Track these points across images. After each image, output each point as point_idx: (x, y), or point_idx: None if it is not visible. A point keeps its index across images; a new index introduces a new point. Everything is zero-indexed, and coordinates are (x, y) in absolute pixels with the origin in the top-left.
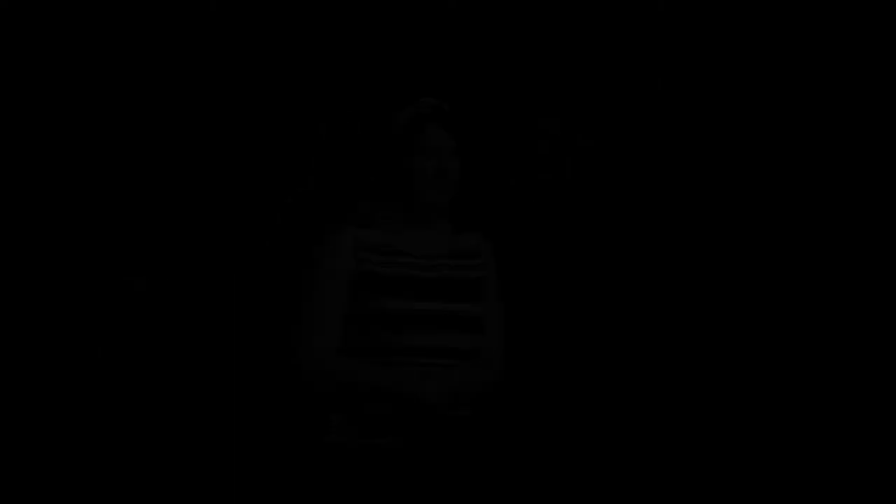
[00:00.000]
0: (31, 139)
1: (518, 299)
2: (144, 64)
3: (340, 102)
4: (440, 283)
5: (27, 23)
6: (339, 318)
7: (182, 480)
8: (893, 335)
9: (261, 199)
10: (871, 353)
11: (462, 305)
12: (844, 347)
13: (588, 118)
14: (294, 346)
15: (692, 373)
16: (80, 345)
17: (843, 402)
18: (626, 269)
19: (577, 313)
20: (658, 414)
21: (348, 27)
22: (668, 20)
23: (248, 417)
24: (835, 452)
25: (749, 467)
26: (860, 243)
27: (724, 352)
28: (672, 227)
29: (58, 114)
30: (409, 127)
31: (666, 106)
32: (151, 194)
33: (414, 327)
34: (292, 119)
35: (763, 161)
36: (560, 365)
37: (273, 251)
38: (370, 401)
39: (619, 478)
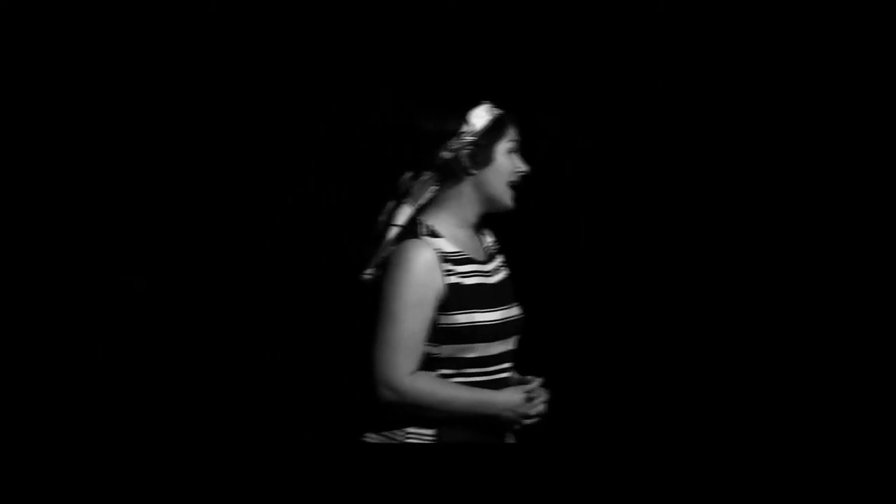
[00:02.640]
0: (31, 139)
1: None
2: (144, 64)
3: (340, 102)
4: (501, 287)
5: (27, 23)
6: (422, 339)
7: (182, 480)
8: (893, 335)
9: (261, 199)
10: (871, 353)
11: (514, 309)
12: (844, 347)
13: (588, 118)
14: (377, 366)
15: (692, 373)
16: (80, 345)
17: (843, 402)
18: (625, 269)
19: (578, 313)
20: (658, 415)
21: (348, 27)
22: (668, 20)
23: (248, 417)
24: (835, 452)
25: (749, 467)
26: (860, 243)
27: (725, 352)
28: (672, 227)
29: (58, 114)
30: (494, 124)
31: (666, 106)
32: (151, 194)
33: (493, 338)
34: (292, 119)
35: (763, 161)
36: (560, 365)
37: (273, 251)
38: (449, 418)
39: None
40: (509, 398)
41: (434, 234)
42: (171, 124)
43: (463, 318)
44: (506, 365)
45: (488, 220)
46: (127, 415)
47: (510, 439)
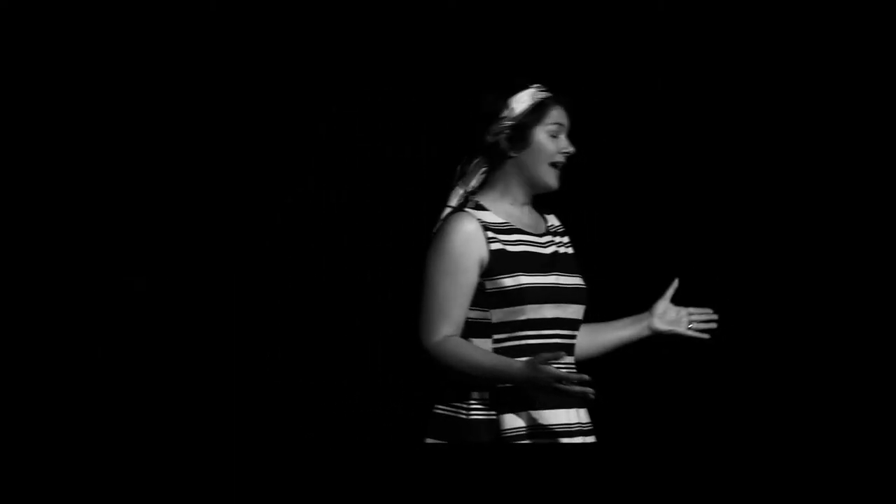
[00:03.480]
0: (31, 139)
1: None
2: (144, 64)
3: (340, 102)
4: (555, 258)
5: (27, 23)
6: (461, 304)
7: (182, 480)
8: (893, 335)
9: (261, 199)
10: (871, 353)
11: (575, 279)
12: (844, 347)
13: (587, 118)
14: (418, 331)
15: (691, 373)
16: (80, 345)
17: (843, 402)
18: (624, 270)
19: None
20: (657, 415)
21: (348, 27)
22: (668, 20)
23: (248, 417)
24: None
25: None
26: (860, 243)
27: (724, 352)
28: (671, 227)
29: (58, 114)
30: (536, 106)
31: (666, 106)
32: (151, 194)
33: (544, 300)
34: (292, 119)
35: (763, 161)
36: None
37: (273, 251)
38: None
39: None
40: (524, 364)
41: (480, 209)
42: (171, 124)
43: (509, 280)
44: (564, 332)
45: (546, 202)
46: (127, 414)
47: (577, 419)
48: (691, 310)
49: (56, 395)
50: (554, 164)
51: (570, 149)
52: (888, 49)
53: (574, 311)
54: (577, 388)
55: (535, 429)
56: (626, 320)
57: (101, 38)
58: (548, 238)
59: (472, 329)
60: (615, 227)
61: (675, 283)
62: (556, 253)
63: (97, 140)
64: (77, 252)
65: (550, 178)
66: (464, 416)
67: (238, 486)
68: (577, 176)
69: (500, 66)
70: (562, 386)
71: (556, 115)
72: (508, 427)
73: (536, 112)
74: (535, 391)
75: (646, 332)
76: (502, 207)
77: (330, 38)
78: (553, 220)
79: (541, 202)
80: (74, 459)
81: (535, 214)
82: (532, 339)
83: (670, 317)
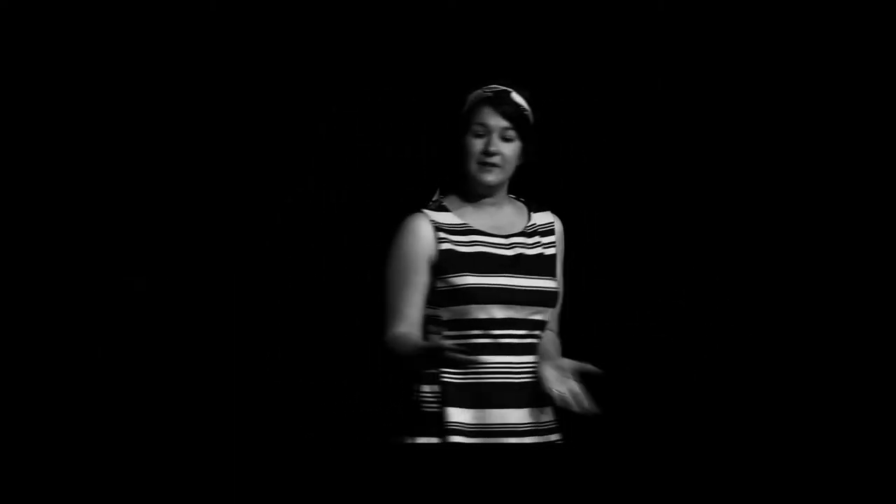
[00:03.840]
0: (31, 139)
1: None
2: (144, 64)
3: (340, 102)
4: (518, 259)
5: (27, 23)
6: (413, 301)
7: (182, 480)
8: (893, 335)
9: (261, 199)
10: (871, 353)
11: (538, 281)
12: (844, 347)
13: (586, 118)
14: (382, 329)
15: (691, 373)
16: (80, 345)
17: (843, 403)
18: (624, 270)
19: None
20: (655, 416)
21: (348, 27)
22: (668, 20)
23: (248, 417)
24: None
25: (748, 467)
26: (860, 243)
27: (724, 352)
28: (670, 227)
29: (58, 114)
30: (468, 107)
31: (666, 106)
32: (151, 194)
33: (490, 301)
34: (292, 119)
35: (763, 161)
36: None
37: (273, 251)
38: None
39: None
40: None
41: (441, 208)
42: (171, 125)
43: (457, 280)
44: (519, 332)
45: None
46: (127, 414)
47: (532, 419)
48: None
49: (56, 395)
50: (482, 164)
51: (492, 148)
52: (888, 49)
53: (532, 312)
54: (462, 357)
55: (482, 427)
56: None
57: (101, 38)
58: (517, 239)
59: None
60: (613, 228)
61: (590, 369)
62: (520, 255)
63: (97, 140)
64: (77, 252)
65: (480, 177)
66: (417, 411)
67: (238, 486)
68: (575, 176)
69: (499, 66)
70: (449, 355)
71: (482, 116)
72: (454, 420)
73: (467, 114)
74: (438, 364)
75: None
76: (464, 208)
77: (330, 38)
78: (542, 219)
79: (540, 199)
80: (75, 459)
81: (511, 214)
82: (480, 338)
83: (556, 385)
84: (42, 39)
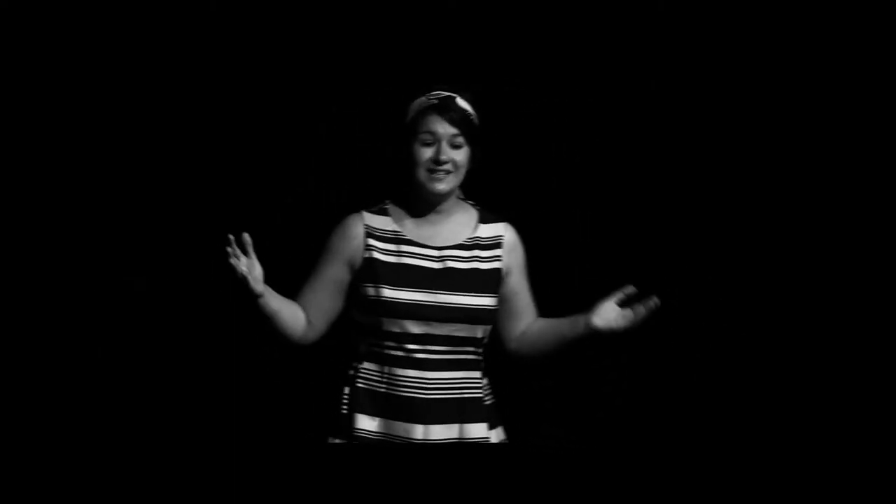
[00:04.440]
0: (31, 139)
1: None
2: (144, 64)
3: (340, 102)
4: (446, 274)
5: (27, 23)
6: (321, 293)
7: (182, 480)
8: (893, 335)
9: (261, 199)
10: (871, 353)
11: (464, 297)
12: (844, 347)
13: (582, 118)
14: None
15: (690, 374)
16: (80, 345)
17: (843, 402)
18: (622, 271)
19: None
20: (654, 416)
21: (348, 27)
22: (665, 20)
23: (248, 417)
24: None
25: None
26: (860, 243)
27: (723, 353)
28: (669, 227)
29: (58, 114)
30: (414, 116)
31: (660, 106)
32: (151, 194)
33: (402, 316)
34: (292, 119)
35: (761, 162)
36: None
37: (273, 251)
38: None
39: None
40: None
41: (381, 212)
42: (171, 125)
43: (372, 290)
44: (438, 348)
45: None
46: (127, 414)
47: (442, 435)
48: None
49: (56, 395)
50: (432, 172)
51: (442, 157)
52: (888, 49)
53: (454, 329)
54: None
55: (386, 437)
56: (568, 319)
57: (101, 38)
58: (451, 252)
59: (358, 331)
60: (611, 227)
61: (628, 289)
62: (449, 269)
63: (97, 140)
64: (77, 252)
65: (431, 186)
66: (335, 412)
67: (237, 486)
68: (567, 175)
69: (497, 66)
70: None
71: (429, 123)
72: (360, 427)
73: (413, 121)
74: (248, 298)
75: (583, 330)
76: (404, 214)
77: (330, 38)
78: (489, 231)
79: (497, 208)
80: (74, 459)
81: (456, 223)
82: (394, 350)
83: (608, 315)
84: (42, 39)
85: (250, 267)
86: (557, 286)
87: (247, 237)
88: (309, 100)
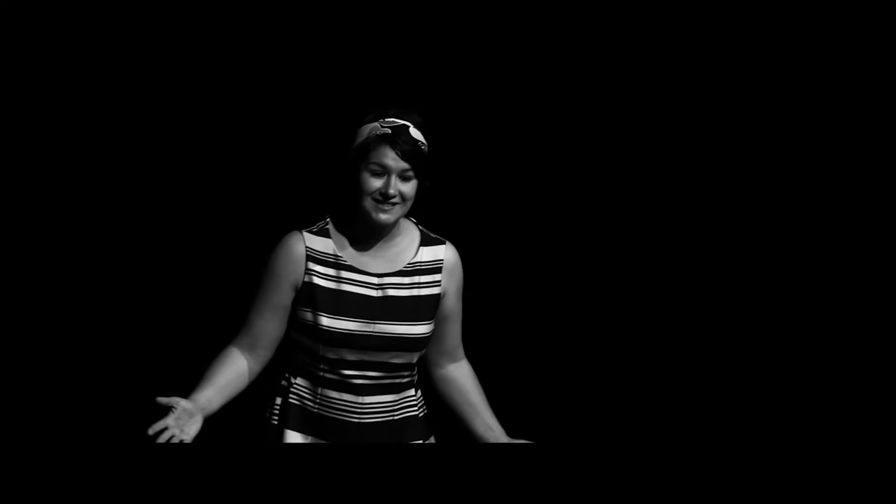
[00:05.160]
0: (31, 139)
1: (505, 302)
2: (144, 64)
3: (340, 102)
4: (383, 302)
5: (27, 23)
6: (269, 320)
7: (182, 480)
8: (893, 335)
9: (261, 199)
10: (871, 354)
11: (400, 326)
12: (844, 347)
13: (579, 118)
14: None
15: (689, 374)
16: (80, 345)
17: (843, 403)
18: (622, 271)
19: (569, 317)
20: (652, 416)
21: (348, 27)
22: (664, 20)
23: (247, 417)
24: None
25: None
26: (860, 243)
27: (723, 353)
28: (668, 227)
29: (58, 114)
30: (364, 142)
31: (658, 106)
32: (152, 194)
33: (338, 345)
34: (292, 119)
35: (760, 162)
36: (553, 366)
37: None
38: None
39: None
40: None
41: (322, 232)
42: (171, 125)
43: (310, 316)
44: (375, 373)
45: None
46: (127, 414)
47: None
48: None
49: (56, 395)
50: (379, 202)
51: (391, 191)
52: (888, 49)
53: (389, 356)
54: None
55: None
56: (483, 423)
57: (101, 38)
58: (391, 279)
59: (293, 346)
60: (608, 227)
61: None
62: (386, 297)
63: (97, 140)
64: (77, 252)
65: (374, 215)
66: (266, 421)
67: (237, 486)
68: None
69: (496, 66)
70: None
71: (380, 155)
72: (290, 444)
73: (364, 148)
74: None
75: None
76: (346, 236)
77: (330, 37)
78: (430, 255)
79: (444, 232)
80: (75, 459)
81: (397, 249)
82: (328, 373)
83: None
84: (42, 39)
85: (180, 423)
86: (547, 291)
87: (163, 400)
88: (309, 100)
